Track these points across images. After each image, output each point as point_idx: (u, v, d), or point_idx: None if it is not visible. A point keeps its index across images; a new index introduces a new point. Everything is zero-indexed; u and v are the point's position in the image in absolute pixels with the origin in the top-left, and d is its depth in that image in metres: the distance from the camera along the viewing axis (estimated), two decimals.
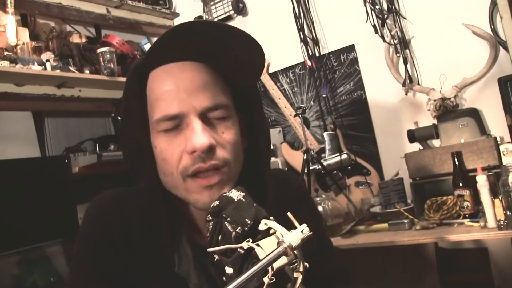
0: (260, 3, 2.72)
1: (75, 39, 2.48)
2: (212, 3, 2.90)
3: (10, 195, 1.89)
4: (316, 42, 2.45)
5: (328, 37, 2.47)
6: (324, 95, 2.43)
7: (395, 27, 2.13)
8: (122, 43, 2.57)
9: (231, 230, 0.57)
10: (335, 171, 2.26)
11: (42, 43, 2.23)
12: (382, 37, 2.16)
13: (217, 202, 0.61)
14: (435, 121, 2.02)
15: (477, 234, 1.53)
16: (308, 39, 2.45)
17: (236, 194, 0.61)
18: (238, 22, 2.82)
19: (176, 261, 0.71)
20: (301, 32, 2.45)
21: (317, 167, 2.21)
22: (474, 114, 1.91)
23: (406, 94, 2.15)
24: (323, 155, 2.33)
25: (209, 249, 0.58)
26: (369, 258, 2.15)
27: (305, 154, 2.13)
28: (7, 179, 1.92)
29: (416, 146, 2.08)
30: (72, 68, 2.22)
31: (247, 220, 0.58)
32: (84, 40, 2.51)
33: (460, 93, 2.03)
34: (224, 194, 0.62)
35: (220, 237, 0.59)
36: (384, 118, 2.31)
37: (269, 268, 0.53)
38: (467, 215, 1.72)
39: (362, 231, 1.91)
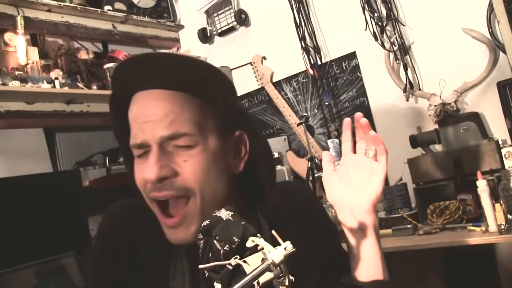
0: (262, 13, 2.77)
1: (83, 55, 2.56)
2: (215, 14, 2.96)
3: (25, 210, 1.95)
4: (317, 50, 2.49)
5: (330, 45, 2.51)
6: (327, 103, 2.46)
7: (395, 34, 2.16)
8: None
9: (220, 248, 0.61)
10: None
11: (51, 61, 2.31)
12: (382, 44, 2.18)
13: (207, 222, 0.65)
14: (437, 126, 2.04)
15: (478, 238, 1.54)
16: (309, 48, 2.49)
17: (225, 214, 0.65)
18: (241, 33, 2.87)
19: (171, 275, 0.75)
20: (302, 41, 2.48)
21: (322, 174, 2.23)
22: (475, 118, 1.92)
23: (407, 100, 2.17)
24: None
25: (200, 266, 0.62)
26: None
27: (310, 162, 2.16)
28: (22, 195, 1.98)
29: (420, 151, 2.10)
30: (80, 85, 2.29)
31: (234, 238, 0.62)
32: (91, 55, 2.58)
33: (462, 97, 2.04)
34: (214, 214, 0.66)
35: (210, 254, 0.63)
36: (387, 123, 2.33)
37: (255, 283, 0.57)
38: (470, 219, 1.73)
39: None
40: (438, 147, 2.08)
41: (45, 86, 2.10)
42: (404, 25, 2.20)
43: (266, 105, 2.78)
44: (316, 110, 2.58)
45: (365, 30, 2.22)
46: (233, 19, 2.84)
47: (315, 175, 2.20)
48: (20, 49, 2.19)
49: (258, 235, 0.64)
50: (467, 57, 2.05)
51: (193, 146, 0.72)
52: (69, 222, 2.11)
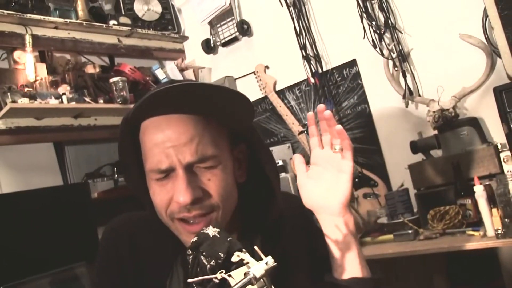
0: (263, 23, 2.81)
1: (90, 69, 2.63)
2: (218, 25, 3.02)
3: (38, 223, 2.02)
4: (318, 59, 2.52)
5: (330, 53, 2.54)
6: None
7: (393, 41, 2.18)
8: (134, 70, 2.71)
9: (206, 263, 0.65)
10: None
11: (58, 77, 2.38)
12: (381, 52, 2.21)
13: (195, 238, 0.69)
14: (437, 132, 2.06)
15: (476, 243, 1.56)
16: (310, 56, 2.52)
17: (212, 231, 0.69)
18: (244, 43, 2.92)
19: (168, 284, 0.80)
20: (303, 50, 2.52)
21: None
22: (474, 123, 1.93)
23: (406, 107, 2.19)
24: None
25: (189, 280, 0.66)
26: (381, 267, 2.18)
27: None
28: (35, 208, 2.06)
29: (421, 157, 2.11)
30: (87, 99, 2.35)
31: (220, 253, 0.66)
32: (98, 70, 2.66)
33: (461, 103, 2.06)
34: (201, 231, 0.70)
35: (198, 269, 0.67)
36: (389, 129, 2.35)
37: None
38: (470, 224, 1.74)
39: (369, 242, 1.96)
40: (439, 153, 2.10)
41: (53, 102, 2.17)
42: (402, 33, 2.22)
43: (270, 114, 2.82)
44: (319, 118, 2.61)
45: (363, 38, 2.25)
46: (236, 30, 2.89)
47: None
48: (29, 67, 2.27)
49: (243, 250, 0.68)
50: (466, 62, 2.06)
51: (216, 166, 0.77)
52: (80, 233, 2.18)
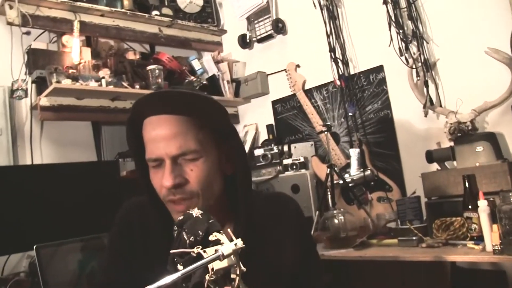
0: (298, 23, 2.89)
1: (130, 55, 2.80)
2: (255, 22, 3.12)
3: (73, 192, 2.20)
4: (346, 62, 2.58)
5: (359, 57, 2.59)
6: (350, 114, 2.55)
7: (419, 51, 2.21)
8: (171, 59, 2.86)
9: (186, 239, 0.77)
10: (359, 186, 2.38)
11: (100, 61, 2.56)
12: (406, 60, 2.24)
13: (181, 217, 0.81)
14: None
15: (473, 256, 1.59)
16: (338, 59, 2.58)
17: (195, 212, 0.81)
18: (278, 41, 3.01)
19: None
20: (332, 53, 2.58)
21: (341, 182, 2.34)
22: (491, 138, 1.94)
23: (425, 116, 2.22)
24: (348, 170, 2.45)
25: (171, 251, 0.78)
26: (389, 272, 2.24)
27: (329, 169, 2.27)
28: (71, 179, 2.25)
29: (437, 166, 2.14)
30: (124, 84, 2.52)
31: (199, 232, 0.77)
32: (138, 56, 2.82)
33: (483, 117, 2.07)
34: (187, 212, 0.82)
35: (180, 243, 0.79)
36: (408, 137, 2.39)
37: (210, 269, 0.73)
38: (474, 237, 1.77)
39: (374, 245, 2.02)
40: (455, 164, 2.12)
41: (93, 85, 2.36)
42: (428, 42, 2.24)
43: (297, 111, 2.90)
44: (342, 119, 2.67)
45: (389, 46, 2.28)
46: (271, 27, 2.97)
47: (335, 182, 2.30)
48: (75, 50, 2.46)
49: (221, 231, 0.79)
50: (491, 77, 2.07)
51: (198, 158, 0.92)
52: (108, 206, 2.35)
